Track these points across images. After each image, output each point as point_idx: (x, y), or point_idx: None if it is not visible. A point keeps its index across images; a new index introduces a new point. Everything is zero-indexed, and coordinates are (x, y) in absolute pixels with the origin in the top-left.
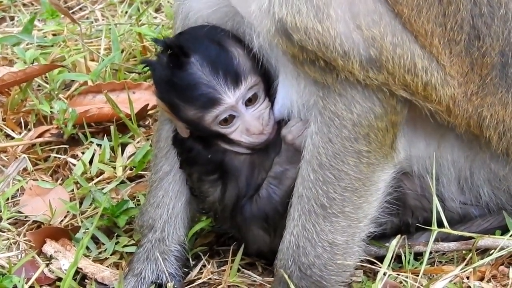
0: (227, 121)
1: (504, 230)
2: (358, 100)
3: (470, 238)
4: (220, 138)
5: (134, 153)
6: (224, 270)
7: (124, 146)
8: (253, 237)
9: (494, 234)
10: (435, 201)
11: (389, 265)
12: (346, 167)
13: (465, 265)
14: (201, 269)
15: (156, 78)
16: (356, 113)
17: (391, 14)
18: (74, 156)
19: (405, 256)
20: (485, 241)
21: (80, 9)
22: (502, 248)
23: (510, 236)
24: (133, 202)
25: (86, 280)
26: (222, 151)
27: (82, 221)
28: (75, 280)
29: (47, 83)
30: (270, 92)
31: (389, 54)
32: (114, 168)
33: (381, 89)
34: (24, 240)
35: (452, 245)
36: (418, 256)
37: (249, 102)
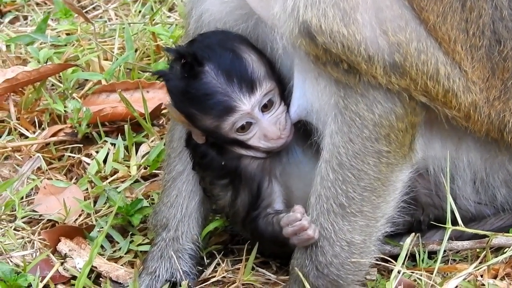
0: (244, 128)
1: None
2: (380, 101)
3: (484, 236)
4: (238, 144)
5: (148, 152)
6: (238, 269)
7: (138, 145)
8: (265, 244)
9: (508, 232)
10: (450, 199)
11: (403, 263)
12: (366, 166)
13: (479, 263)
14: (215, 267)
15: (171, 88)
16: (377, 114)
17: (416, 20)
18: (88, 155)
19: (419, 255)
20: (499, 239)
21: (94, 8)
22: None
23: None
24: (147, 201)
25: (100, 279)
26: (236, 158)
27: (96, 220)
28: (89, 278)
29: (61, 82)
30: (284, 95)
31: (414, 60)
32: (128, 167)
33: (402, 93)
34: (39, 238)
35: (466, 243)
36: (432, 254)
37: (265, 108)
